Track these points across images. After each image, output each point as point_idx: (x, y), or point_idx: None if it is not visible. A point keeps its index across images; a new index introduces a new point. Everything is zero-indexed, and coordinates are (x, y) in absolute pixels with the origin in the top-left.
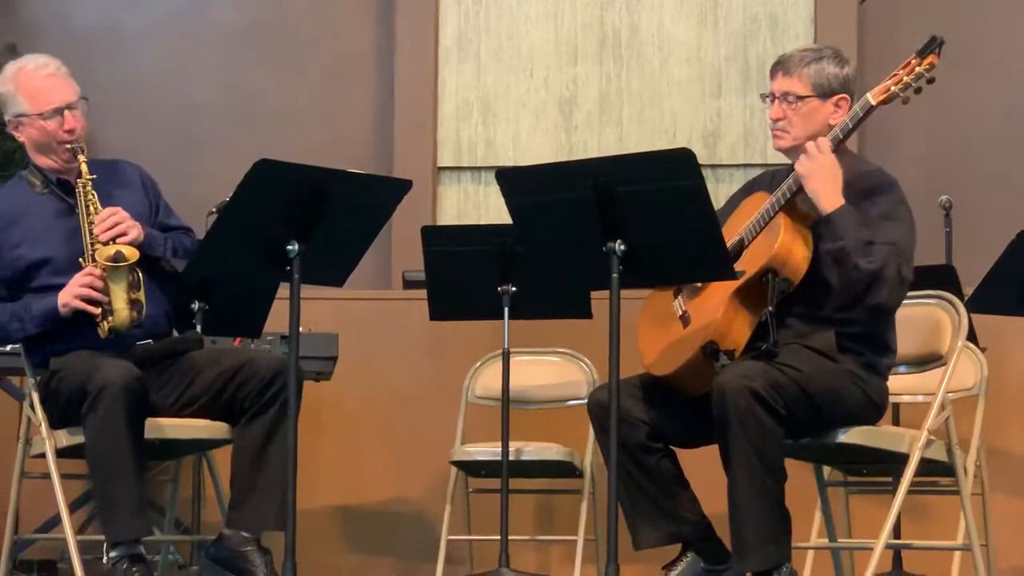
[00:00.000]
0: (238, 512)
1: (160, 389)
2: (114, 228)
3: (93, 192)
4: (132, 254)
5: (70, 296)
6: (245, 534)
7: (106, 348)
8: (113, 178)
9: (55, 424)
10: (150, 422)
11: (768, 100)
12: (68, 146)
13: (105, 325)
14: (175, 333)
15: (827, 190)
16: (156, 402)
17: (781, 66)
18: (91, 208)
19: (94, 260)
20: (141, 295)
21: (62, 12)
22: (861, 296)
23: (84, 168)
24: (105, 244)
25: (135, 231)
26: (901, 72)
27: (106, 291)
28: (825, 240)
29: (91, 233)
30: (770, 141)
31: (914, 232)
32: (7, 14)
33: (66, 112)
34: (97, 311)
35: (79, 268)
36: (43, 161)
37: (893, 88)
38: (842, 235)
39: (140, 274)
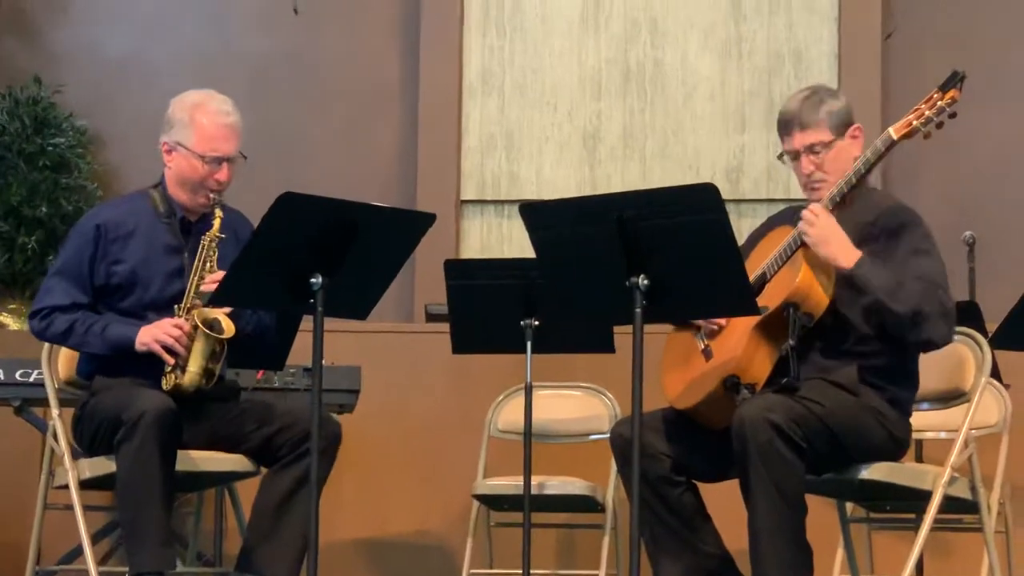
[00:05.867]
0: (251, 557)
1: (191, 429)
2: None
3: (216, 250)
4: (229, 329)
5: (151, 338)
6: None
7: (148, 378)
8: (233, 230)
9: (83, 448)
10: (179, 454)
11: (789, 159)
12: (212, 195)
13: (172, 378)
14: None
15: (840, 250)
16: (185, 440)
17: (795, 123)
18: (208, 265)
19: (188, 312)
20: (217, 368)
21: (89, 43)
22: (909, 337)
23: (218, 223)
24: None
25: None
26: (923, 107)
27: (188, 348)
28: (858, 294)
29: (197, 287)
30: (793, 175)
31: (942, 261)
32: (34, 45)
33: (225, 163)
34: (171, 361)
35: (169, 307)
36: (178, 193)
37: (915, 123)
38: (871, 286)
39: (226, 348)
